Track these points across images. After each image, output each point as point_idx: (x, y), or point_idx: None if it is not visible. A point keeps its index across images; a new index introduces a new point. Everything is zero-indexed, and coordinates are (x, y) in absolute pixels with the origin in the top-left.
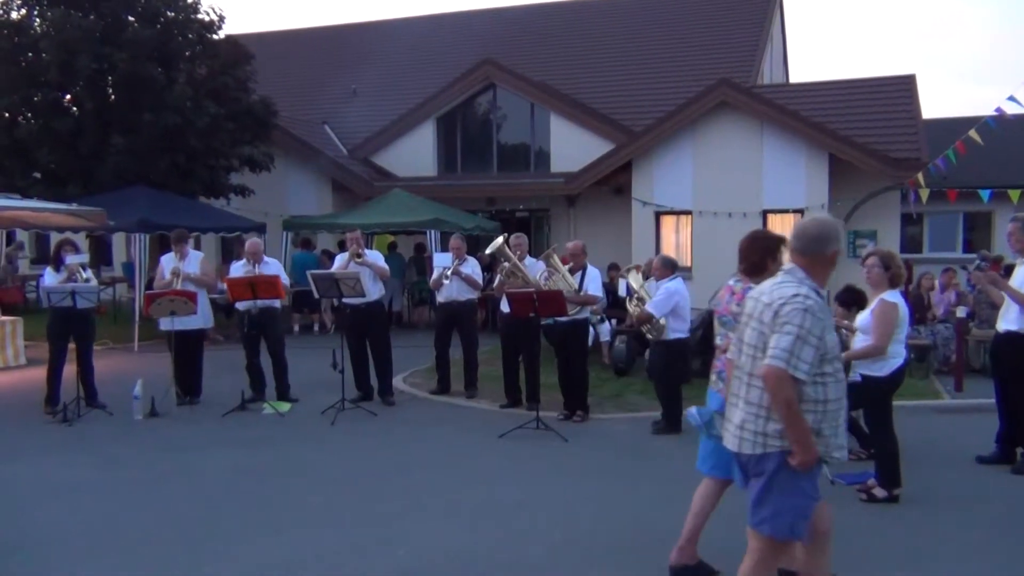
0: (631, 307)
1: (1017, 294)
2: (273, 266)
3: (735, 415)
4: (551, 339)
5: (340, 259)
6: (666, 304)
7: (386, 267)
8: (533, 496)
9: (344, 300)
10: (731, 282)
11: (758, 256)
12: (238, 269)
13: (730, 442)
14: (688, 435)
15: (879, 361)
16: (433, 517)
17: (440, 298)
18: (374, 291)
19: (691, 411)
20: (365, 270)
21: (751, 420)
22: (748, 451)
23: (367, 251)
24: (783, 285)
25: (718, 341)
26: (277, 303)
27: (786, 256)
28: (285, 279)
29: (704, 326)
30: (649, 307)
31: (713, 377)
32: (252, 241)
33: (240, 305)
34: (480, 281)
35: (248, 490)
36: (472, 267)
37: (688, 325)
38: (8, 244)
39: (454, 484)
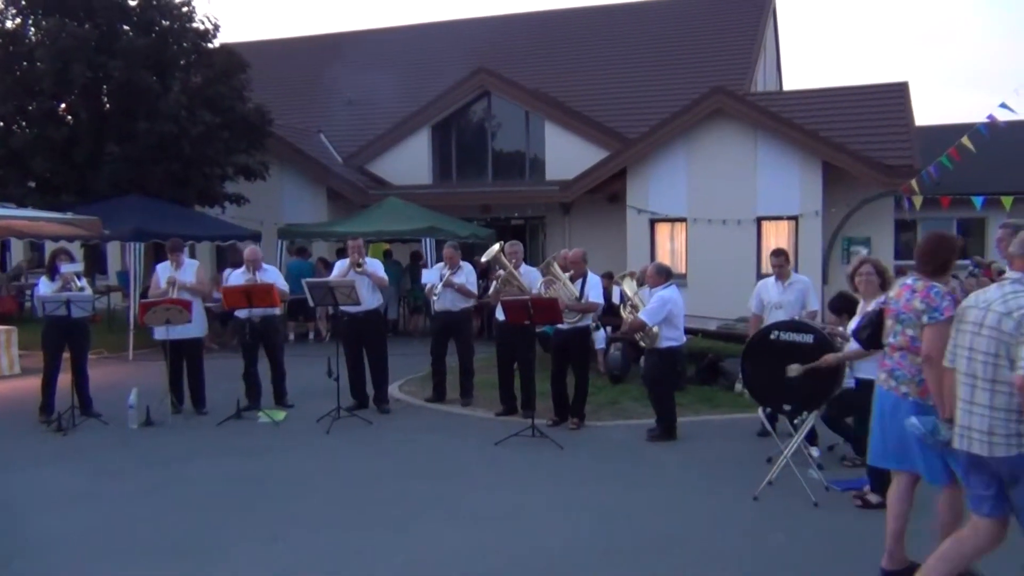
0: (625, 314)
1: None
2: (272, 274)
3: (976, 421)
4: (549, 346)
5: (340, 266)
6: (659, 312)
7: (385, 277)
8: (529, 503)
9: (342, 308)
10: (909, 280)
11: (946, 256)
12: (238, 277)
13: (978, 447)
14: (683, 442)
15: None
16: (430, 524)
17: (435, 308)
18: (372, 300)
19: (912, 420)
20: (363, 279)
21: (1001, 424)
22: (1002, 454)
23: (368, 259)
24: (1019, 295)
25: (891, 340)
26: (277, 311)
27: None
28: (284, 286)
29: (872, 325)
30: (642, 315)
31: (883, 375)
32: (251, 248)
33: (240, 313)
34: (475, 290)
35: (244, 499)
36: (466, 275)
37: (681, 333)
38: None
39: (450, 492)
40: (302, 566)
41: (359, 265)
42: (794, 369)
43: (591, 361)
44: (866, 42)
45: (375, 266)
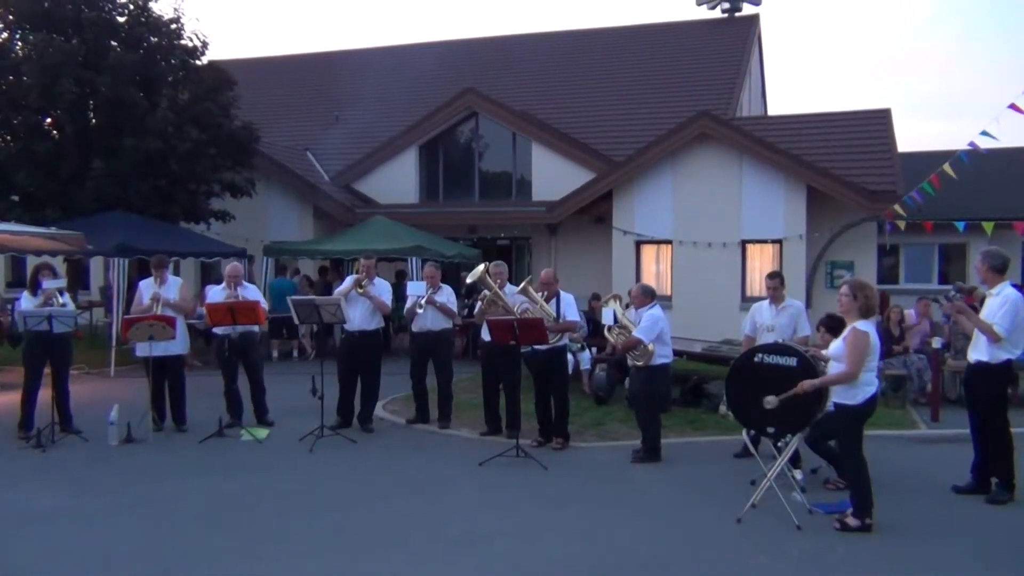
0: (612, 336)
1: (983, 325)
2: (252, 291)
3: None
4: (531, 367)
5: (349, 282)
6: (653, 330)
7: (388, 303)
8: (513, 525)
9: (344, 327)
10: None
11: None
12: (218, 294)
13: None
14: (667, 464)
15: (852, 389)
16: (413, 546)
17: (414, 328)
18: (371, 322)
19: None
20: (364, 299)
21: None
22: None
23: (379, 280)
24: None
25: None
26: (256, 328)
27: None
28: (264, 304)
29: None
30: (637, 333)
31: None
32: (232, 265)
33: (219, 330)
34: (455, 310)
35: (225, 518)
36: (447, 296)
37: (671, 350)
38: None
39: (434, 512)
40: None
41: (361, 287)
42: (770, 401)
43: (573, 381)
44: (850, 69)
45: (382, 289)
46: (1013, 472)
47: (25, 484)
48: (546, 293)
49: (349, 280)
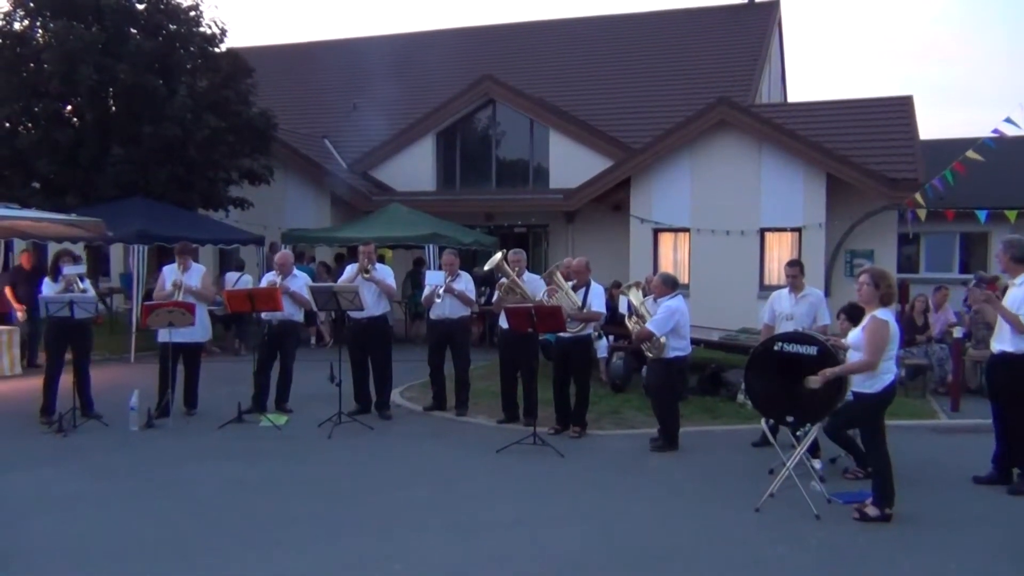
0: (631, 324)
1: (1009, 314)
2: (301, 279)
3: None
4: (551, 355)
5: (350, 270)
6: (667, 322)
7: (393, 285)
8: (530, 512)
9: (349, 313)
10: None
11: None
12: (266, 280)
13: None
14: (685, 452)
15: (870, 378)
16: (429, 532)
17: (432, 315)
18: (377, 307)
19: None
20: (370, 285)
21: None
22: None
23: (380, 266)
24: None
25: None
26: (300, 316)
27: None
28: (307, 294)
29: None
30: (650, 325)
31: None
32: (282, 253)
33: (264, 315)
34: (473, 298)
35: (244, 503)
36: (465, 283)
37: (688, 343)
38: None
39: (451, 499)
40: (301, 572)
41: (367, 271)
42: (813, 381)
43: (593, 370)
44: (871, 56)
45: (385, 273)
46: None
47: (46, 468)
48: (576, 281)
49: (351, 268)
